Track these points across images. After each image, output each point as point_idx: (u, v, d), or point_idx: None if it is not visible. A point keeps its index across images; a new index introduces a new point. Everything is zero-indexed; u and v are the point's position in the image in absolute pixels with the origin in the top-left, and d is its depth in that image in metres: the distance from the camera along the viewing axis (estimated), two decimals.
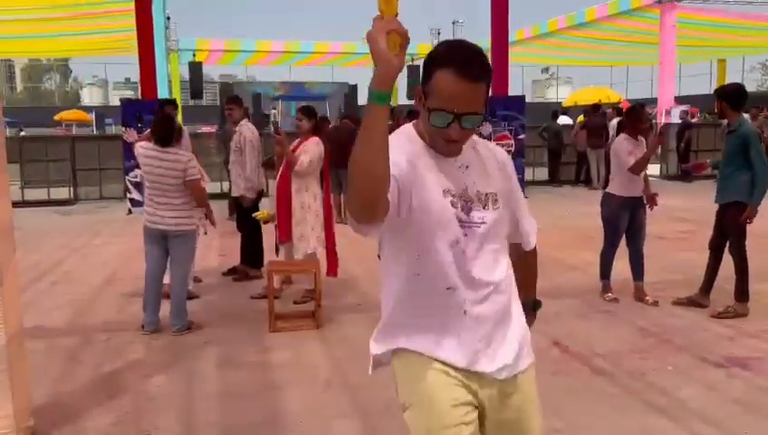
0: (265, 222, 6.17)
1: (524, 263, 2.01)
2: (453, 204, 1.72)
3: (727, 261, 5.37)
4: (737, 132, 5.20)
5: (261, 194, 6.67)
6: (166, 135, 4.96)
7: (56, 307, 5.80)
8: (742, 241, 5.29)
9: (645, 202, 5.72)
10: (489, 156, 1.85)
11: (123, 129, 11.67)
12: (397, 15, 1.43)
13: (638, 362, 4.36)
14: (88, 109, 41.07)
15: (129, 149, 11.46)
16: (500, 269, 1.80)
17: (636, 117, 5.74)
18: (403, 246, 1.73)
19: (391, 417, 3.41)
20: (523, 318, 1.87)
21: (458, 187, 1.74)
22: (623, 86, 44.46)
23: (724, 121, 5.73)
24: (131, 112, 11.57)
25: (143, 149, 4.96)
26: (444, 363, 1.74)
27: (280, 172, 5.79)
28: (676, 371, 4.19)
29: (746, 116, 9.63)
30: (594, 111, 14.58)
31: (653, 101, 21.39)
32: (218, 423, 3.58)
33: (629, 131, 5.65)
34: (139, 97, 13.44)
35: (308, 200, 5.67)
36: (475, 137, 1.81)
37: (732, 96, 5.25)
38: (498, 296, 1.78)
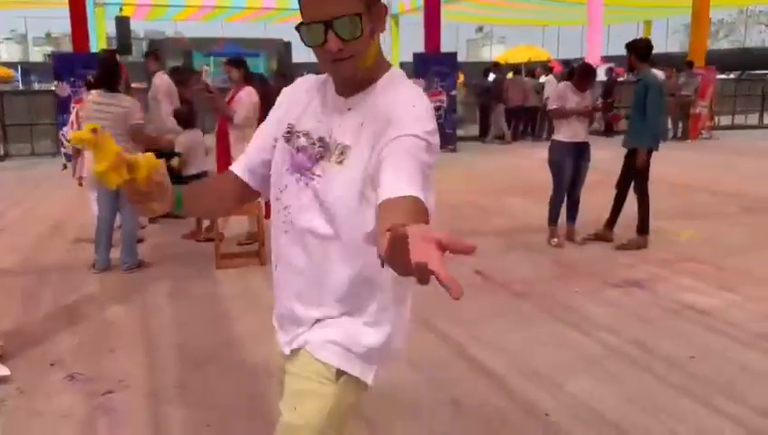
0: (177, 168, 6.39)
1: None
2: (297, 145, 1.52)
3: (632, 202, 6.00)
4: (642, 81, 5.80)
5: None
6: (111, 77, 5.14)
7: (5, 252, 5.96)
8: (644, 182, 5.92)
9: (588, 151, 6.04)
10: (389, 95, 1.46)
11: (55, 82, 11.51)
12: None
13: (550, 286, 4.94)
14: (6, 64, 39.20)
15: (61, 103, 11.37)
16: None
17: (585, 76, 6.03)
18: None
19: None
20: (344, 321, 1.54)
21: (320, 130, 1.50)
22: (554, 45, 45.49)
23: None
24: (64, 66, 11.41)
25: (92, 96, 5.14)
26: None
27: (217, 126, 6.06)
28: (582, 292, 4.79)
29: (656, 71, 10.36)
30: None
31: (583, 60, 22.20)
32: (179, 343, 3.95)
33: (575, 83, 5.98)
34: (60, 51, 13.21)
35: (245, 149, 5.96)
36: (400, 80, 1.51)
37: (640, 49, 5.82)
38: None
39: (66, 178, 9.96)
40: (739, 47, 40.22)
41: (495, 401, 3.20)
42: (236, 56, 6.42)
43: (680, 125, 15.35)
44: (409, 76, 1.60)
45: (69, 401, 3.23)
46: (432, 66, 13.02)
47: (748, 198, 8.14)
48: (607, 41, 31.58)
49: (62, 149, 11.36)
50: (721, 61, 21.34)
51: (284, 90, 1.67)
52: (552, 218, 6.13)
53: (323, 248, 1.50)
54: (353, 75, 1.44)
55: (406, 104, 1.41)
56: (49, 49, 52.83)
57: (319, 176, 1.47)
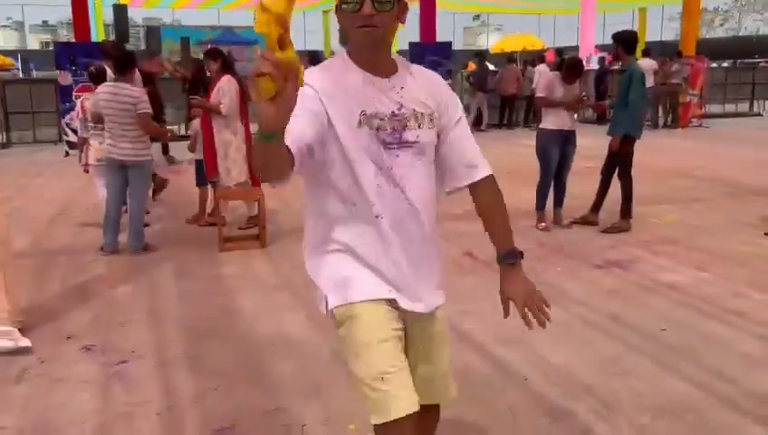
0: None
1: (485, 202, 2.02)
2: (376, 127, 1.71)
3: (616, 187, 6.27)
4: (627, 72, 6.07)
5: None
6: (124, 60, 5.42)
7: (13, 236, 6.18)
8: (628, 168, 6.20)
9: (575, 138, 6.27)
10: (424, 78, 1.83)
11: (58, 71, 11.73)
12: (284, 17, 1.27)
13: (533, 265, 5.19)
14: (4, 52, 39.25)
15: (63, 91, 11.61)
16: (431, 193, 1.86)
17: (572, 69, 6.22)
18: (325, 179, 1.78)
19: None
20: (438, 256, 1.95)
21: (389, 107, 1.72)
22: (550, 34, 45.60)
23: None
24: (65, 55, 11.63)
25: (102, 87, 5.41)
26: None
27: (202, 116, 6.29)
28: (563, 271, 5.08)
29: (648, 60, 10.61)
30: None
31: (577, 49, 22.36)
32: (184, 316, 4.25)
33: (564, 75, 6.19)
34: (56, 40, 13.42)
35: (228, 137, 6.09)
36: (410, 64, 1.83)
37: (626, 41, 6.09)
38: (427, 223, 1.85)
39: (68, 164, 10.23)
40: (733, 35, 40.39)
41: (479, 367, 3.49)
42: (214, 48, 6.62)
43: (670, 113, 15.60)
44: None
45: (86, 369, 3.51)
46: (427, 55, 13.24)
47: (728, 184, 8.45)
48: (603, 29, 31.75)
49: (65, 138, 11.60)
50: (714, 49, 21.58)
51: (310, 81, 1.62)
52: (540, 204, 6.36)
53: (430, 201, 1.87)
54: (374, 43, 1.68)
55: (443, 85, 1.88)
56: (46, 37, 52.70)
57: (416, 142, 1.77)
